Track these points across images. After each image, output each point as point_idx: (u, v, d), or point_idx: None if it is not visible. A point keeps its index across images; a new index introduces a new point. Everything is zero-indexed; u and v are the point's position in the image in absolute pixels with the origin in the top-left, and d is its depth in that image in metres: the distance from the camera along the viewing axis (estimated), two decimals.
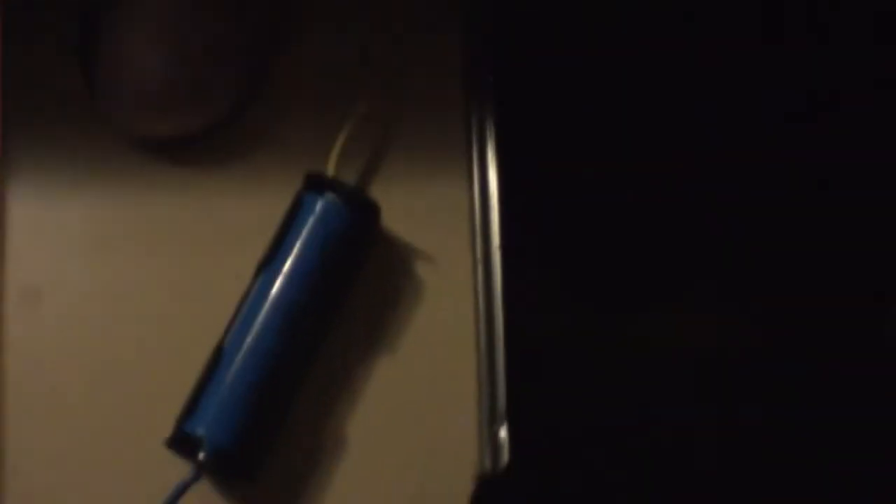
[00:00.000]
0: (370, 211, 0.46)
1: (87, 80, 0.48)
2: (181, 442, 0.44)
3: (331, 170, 0.47)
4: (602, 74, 0.49)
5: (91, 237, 0.48)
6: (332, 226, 0.45)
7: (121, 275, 0.48)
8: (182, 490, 0.44)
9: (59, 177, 0.49)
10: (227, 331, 0.45)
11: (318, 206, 0.45)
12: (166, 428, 0.44)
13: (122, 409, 0.47)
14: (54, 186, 0.49)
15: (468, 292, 0.47)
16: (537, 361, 0.46)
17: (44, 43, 0.50)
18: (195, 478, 0.44)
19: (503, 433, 0.45)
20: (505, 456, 0.45)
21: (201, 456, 0.43)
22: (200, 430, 0.43)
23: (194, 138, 0.48)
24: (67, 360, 0.47)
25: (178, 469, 0.44)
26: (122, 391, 0.47)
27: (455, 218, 0.48)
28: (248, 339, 0.44)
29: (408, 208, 0.48)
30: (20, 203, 0.49)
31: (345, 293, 0.47)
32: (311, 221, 0.45)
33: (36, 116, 0.49)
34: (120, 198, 0.49)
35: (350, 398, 0.46)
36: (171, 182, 0.49)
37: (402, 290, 0.47)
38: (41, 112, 0.49)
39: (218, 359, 0.44)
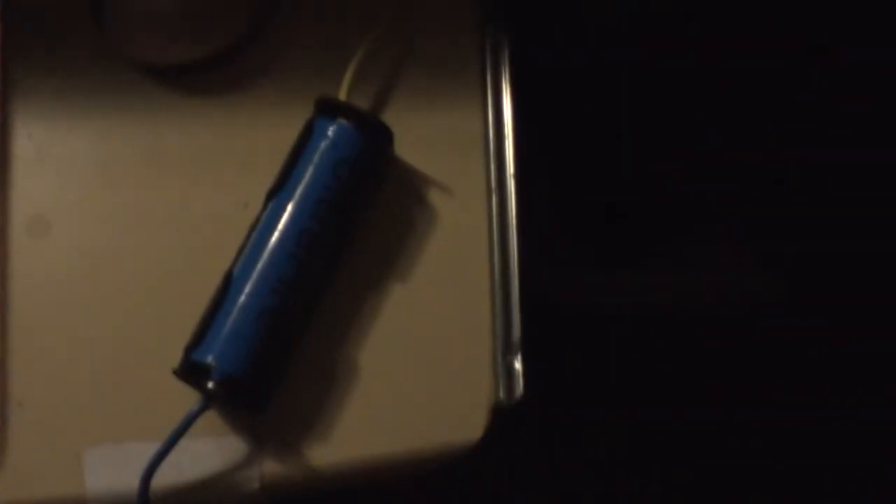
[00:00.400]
0: (383, 136, 0.45)
1: (94, 6, 0.47)
2: (190, 370, 0.43)
3: (343, 94, 0.46)
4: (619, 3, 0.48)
5: (98, 165, 0.47)
6: (345, 151, 0.44)
7: (128, 203, 0.47)
8: (191, 419, 0.43)
9: (65, 105, 0.48)
10: (236, 258, 0.44)
11: (330, 131, 0.44)
12: (174, 357, 0.43)
13: (129, 338, 0.46)
14: (61, 114, 0.48)
15: (482, 221, 0.46)
16: (552, 291, 0.45)
17: None
18: (204, 407, 0.43)
19: (518, 364, 0.44)
20: (519, 387, 0.44)
21: (210, 384, 0.42)
22: (209, 359, 0.42)
23: (204, 65, 0.47)
24: (74, 289, 0.46)
25: (187, 398, 0.43)
26: (130, 320, 0.46)
27: (469, 146, 0.47)
28: (258, 267, 0.43)
29: (421, 136, 0.47)
30: (26, 132, 0.47)
31: (357, 221, 0.46)
32: (322, 147, 0.44)
33: (41, 43, 0.48)
34: (128, 126, 0.48)
35: (362, 328, 0.45)
36: (179, 109, 0.48)
37: (415, 219, 0.46)
38: (46, 39, 0.48)
39: (227, 286, 0.43)
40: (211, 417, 0.44)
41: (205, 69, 0.48)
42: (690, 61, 0.48)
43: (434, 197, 0.47)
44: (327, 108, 0.45)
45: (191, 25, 0.46)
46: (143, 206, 0.47)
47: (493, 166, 0.46)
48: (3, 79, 0.48)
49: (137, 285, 0.46)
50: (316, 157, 0.44)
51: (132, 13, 0.46)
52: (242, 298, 0.43)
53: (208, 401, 0.43)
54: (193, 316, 0.44)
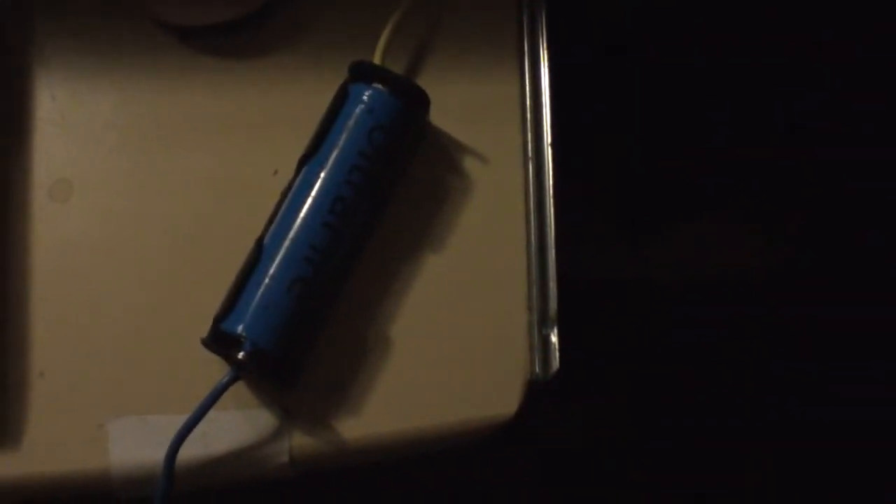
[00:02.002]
0: (420, 101, 0.44)
1: None
2: (219, 341, 0.42)
3: (378, 58, 0.44)
4: None
5: (123, 129, 0.46)
6: (380, 117, 0.43)
7: (153, 168, 0.46)
8: (220, 392, 0.42)
9: (89, 66, 0.47)
10: (267, 226, 0.43)
11: (366, 95, 0.43)
12: (200, 326, 0.42)
13: (154, 307, 0.45)
14: (85, 76, 0.46)
15: (518, 190, 0.45)
16: (589, 265, 0.44)
17: None
18: (234, 378, 0.42)
19: (554, 337, 0.43)
20: (555, 361, 0.43)
21: (240, 355, 0.41)
22: (240, 329, 0.41)
23: (233, 27, 0.46)
24: (97, 256, 0.45)
25: (212, 369, 0.42)
26: (155, 288, 0.45)
27: (505, 113, 0.46)
28: (291, 235, 0.42)
29: (456, 102, 0.45)
30: (49, 93, 0.46)
31: (391, 189, 0.44)
32: (357, 112, 0.43)
33: (64, 3, 0.46)
34: (153, 88, 0.46)
35: (395, 299, 0.44)
36: (206, 72, 0.46)
37: (450, 187, 0.45)
38: (70, 2, 0.47)
39: (258, 255, 0.42)
40: (239, 389, 0.43)
41: (233, 31, 0.46)
42: (719, 43, 0.47)
43: (469, 165, 0.46)
44: (362, 73, 0.44)
45: None
46: (168, 171, 0.46)
47: (530, 134, 0.45)
48: (27, 40, 0.46)
49: (163, 252, 0.45)
50: (351, 123, 0.43)
51: None
52: (274, 268, 0.42)
53: (237, 372, 0.42)
54: (220, 284, 0.43)
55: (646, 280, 0.51)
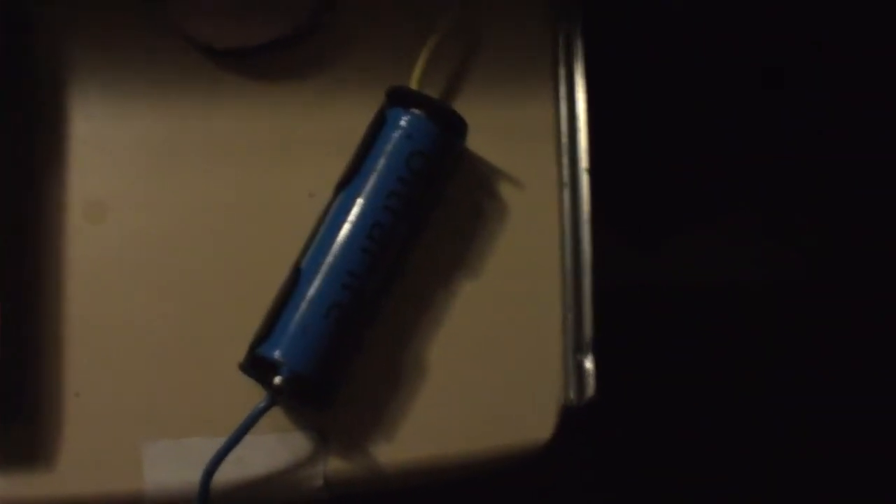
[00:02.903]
0: (458, 128, 0.44)
1: None
2: (256, 365, 0.42)
3: (415, 83, 0.44)
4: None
5: (158, 149, 0.46)
6: (419, 143, 0.43)
7: (189, 189, 0.46)
8: (257, 416, 0.42)
9: (125, 87, 0.46)
10: (304, 250, 0.43)
11: (404, 121, 0.43)
12: (235, 349, 0.42)
13: (189, 328, 0.45)
14: (120, 97, 0.46)
15: (554, 216, 0.45)
16: (624, 290, 0.44)
17: None
18: (271, 403, 0.42)
19: (589, 364, 0.43)
20: (590, 386, 0.43)
21: (278, 380, 0.41)
22: (277, 354, 0.41)
23: (269, 49, 0.46)
24: (133, 277, 0.45)
25: (248, 392, 0.42)
26: (190, 310, 0.45)
27: (541, 138, 0.46)
28: (328, 260, 0.42)
29: (492, 127, 0.45)
30: (84, 115, 0.46)
31: (427, 213, 0.44)
32: (395, 137, 0.43)
33: (100, 24, 0.47)
34: (189, 109, 0.46)
35: (430, 323, 0.44)
36: (241, 94, 0.46)
37: (486, 212, 0.45)
38: (106, 20, 0.47)
39: (296, 280, 0.42)
40: (274, 411, 0.43)
41: (269, 53, 0.46)
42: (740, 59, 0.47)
43: (505, 190, 0.46)
44: (400, 98, 0.44)
45: (257, 8, 0.45)
46: (203, 193, 0.46)
47: (565, 160, 0.45)
48: (61, 59, 0.46)
49: (198, 273, 0.45)
50: (389, 148, 0.43)
51: None
52: (312, 293, 0.42)
53: (275, 397, 0.42)
54: (256, 306, 0.43)
55: (652, 286, 0.51)
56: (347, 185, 0.43)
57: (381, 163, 0.43)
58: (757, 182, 0.54)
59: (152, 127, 0.46)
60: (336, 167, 0.44)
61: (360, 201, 0.43)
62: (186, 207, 0.46)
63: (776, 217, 0.52)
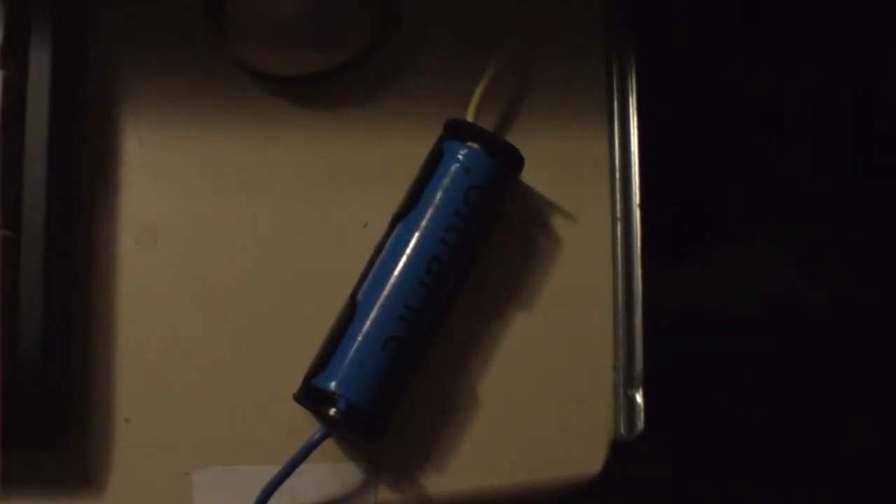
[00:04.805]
0: (515, 161, 0.44)
1: (213, 14, 0.45)
2: (312, 396, 0.42)
3: (471, 116, 0.44)
4: (745, 34, 0.47)
5: (210, 175, 0.46)
6: (477, 177, 0.43)
7: (241, 216, 0.46)
8: (312, 448, 0.42)
9: (177, 111, 0.46)
10: (360, 282, 0.43)
11: (461, 154, 0.43)
12: (288, 377, 0.43)
13: (242, 356, 0.45)
14: (172, 121, 0.46)
15: (606, 250, 0.45)
16: (674, 325, 0.45)
17: None
18: (326, 434, 0.42)
19: (639, 398, 0.44)
20: (640, 421, 0.44)
21: (333, 412, 0.41)
22: (333, 386, 0.41)
23: (323, 76, 0.46)
24: (184, 303, 0.45)
25: (300, 421, 0.43)
26: (242, 338, 0.45)
27: (593, 172, 0.46)
28: (385, 293, 0.42)
29: (545, 160, 0.45)
30: (136, 137, 0.46)
31: (483, 246, 0.45)
32: (453, 171, 0.43)
33: (153, 46, 0.47)
34: (242, 135, 0.46)
35: (480, 355, 0.45)
36: (295, 121, 0.46)
37: (538, 244, 0.46)
38: (159, 42, 0.47)
39: (352, 311, 0.42)
40: (326, 441, 0.43)
41: (323, 81, 0.46)
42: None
43: (557, 223, 0.46)
44: (458, 131, 0.44)
45: (313, 36, 0.45)
46: (256, 220, 0.46)
47: (618, 195, 0.45)
48: (114, 82, 0.46)
49: (250, 302, 0.45)
50: (447, 182, 0.43)
51: (252, 21, 0.44)
52: (368, 325, 0.42)
53: (330, 429, 0.42)
54: (308, 335, 0.43)
55: (673, 306, 0.52)
56: (405, 218, 0.43)
57: (439, 196, 0.43)
58: (784, 202, 0.54)
59: (205, 152, 0.46)
60: (390, 197, 0.44)
61: (417, 234, 0.43)
62: (239, 234, 0.46)
63: (805, 239, 0.52)
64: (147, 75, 0.46)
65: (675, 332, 0.47)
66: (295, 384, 0.43)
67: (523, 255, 0.45)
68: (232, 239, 0.46)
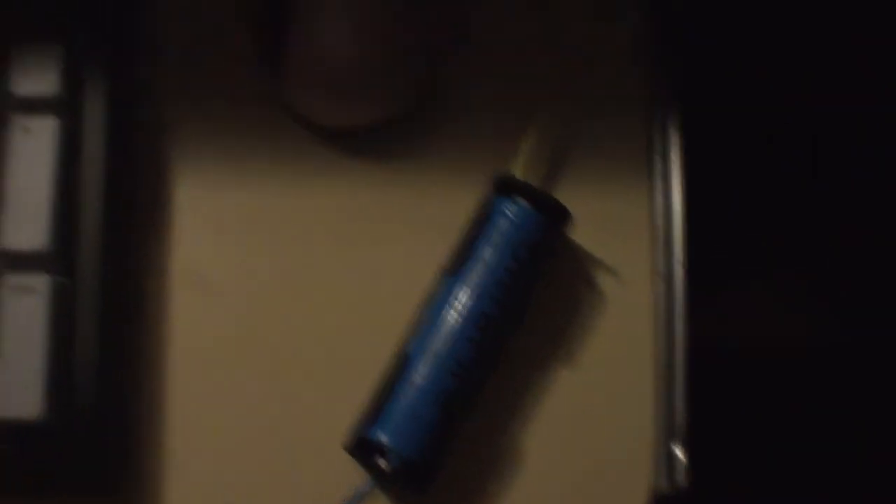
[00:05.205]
0: (563, 218, 0.45)
1: (268, 63, 0.46)
2: (362, 448, 0.43)
3: (519, 173, 0.45)
4: (790, 90, 0.48)
5: (261, 224, 0.47)
6: (527, 234, 0.44)
7: (291, 265, 0.47)
8: (360, 498, 0.42)
9: (228, 161, 0.47)
10: (410, 335, 0.44)
11: (512, 211, 0.44)
12: (335, 429, 0.44)
13: (287, 405, 0.46)
14: (224, 170, 0.47)
15: (649, 307, 0.46)
16: (717, 380, 0.46)
17: (216, 19, 0.48)
18: (375, 485, 0.43)
19: (680, 451, 0.45)
20: (681, 475, 0.44)
21: (384, 464, 0.42)
22: (385, 438, 0.42)
23: (373, 129, 0.47)
24: (233, 352, 0.46)
25: (347, 472, 0.44)
26: (290, 387, 0.46)
27: (637, 230, 0.47)
28: (437, 347, 0.43)
29: (589, 216, 0.46)
30: (188, 187, 0.47)
31: (530, 302, 0.45)
32: (503, 227, 0.44)
33: (206, 93, 0.48)
34: (292, 186, 0.47)
35: (523, 407, 0.45)
36: (345, 172, 0.47)
37: (580, 300, 0.47)
38: (211, 89, 0.48)
39: (403, 365, 0.43)
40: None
41: (374, 132, 0.47)
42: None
43: (600, 278, 0.47)
44: (508, 187, 0.45)
45: (369, 87, 0.46)
46: (304, 269, 0.47)
47: (660, 252, 0.46)
48: (165, 128, 0.47)
49: (298, 351, 0.46)
50: (497, 238, 0.44)
51: (309, 71, 0.45)
52: (419, 379, 0.43)
53: (379, 480, 0.43)
54: (355, 385, 0.44)
55: (710, 342, 0.52)
56: (455, 273, 0.44)
57: (489, 252, 0.44)
58: (813, 238, 0.54)
59: (255, 201, 0.47)
60: (436, 250, 0.46)
61: (468, 290, 0.44)
62: (288, 283, 0.46)
63: (832, 279, 0.53)
64: (199, 123, 0.47)
65: (717, 374, 0.48)
66: (342, 434, 0.43)
67: (566, 310, 0.46)
68: (280, 288, 0.46)
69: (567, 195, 0.46)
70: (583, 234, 0.46)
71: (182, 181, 0.47)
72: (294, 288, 0.46)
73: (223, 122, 0.47)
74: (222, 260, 0.46)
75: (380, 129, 0.47)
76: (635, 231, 0.47)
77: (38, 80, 0.45)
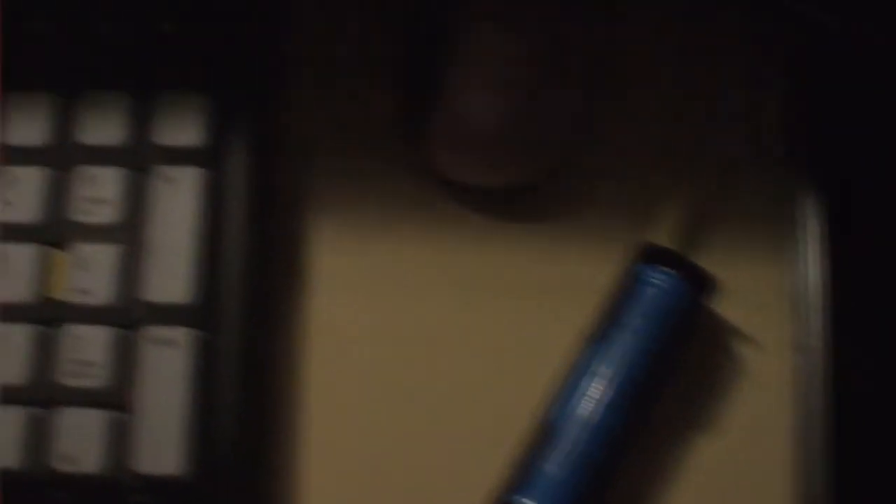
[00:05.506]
0: (709, 288, 0.44)
1: (409, 124, 0.46)
2: None
3: (662, 240, 0.45)
4: None
5: (396, 281, 0.47)
6: (674, 302, 0.44)
7: (426, 324, 0.46)
8: None
9: (366, 217, 0.47)
10: (555, 401, 0.43)
11: (660, 279, 0.44)
12: (472, 492, 0.44)
13: (424, 466, 0.45)
14: (361, 226, 0.47)
15: (788, 379, 0.46)
16: (859, 457, 0.45)
17: (356, 81, 0.49)
18: None
19: None
20: None
21: None
22: None
23: (514, 189, 0.46)
24: (370, 408, 0.45)
25: None
26: (424, 447, 0.45)
27: (777, 301, 0.46)
28: (583, 415, 0.43)
29: (727, 284, 0.46)
30: (326, 241, 0.46)
31: (673, 370, 0.45)
32: (651, 295, 0.44)
33: (344, 155, 0.48)
34: (428, 243, 0.47)
35: (664, 476, 0.45)
36: (481, 231, 0.47)
37: (720, 369, 0.46)
38: (349, 151, 0.48)
39: (548, 431, 0.42)
40: None
41: (514, 192, 0.47)
42: None
43: (739, 349, 0.46)
44: (655, 255, 0.44)
45: (512, 150, 0.45)
46: (441, 331, 0.46)
47: (800, 323, 0.46)
48: (302, 186, 0.46)
49: (435, 413, 0.45)
50: (644, 307, 0.44)
51: (456, 136, 0.44)
52: (567, 446, 0.42)
53: None
54: (494, 451, 0.44)
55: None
56: (600, 340, 0.44)
57: (636, 321, 0.43)
58: None
59: (393, 257, 0.47)
60: (575, 314, 0.45)
61: (613, 358, 0.43)
62: (422, 341, 0.46)
63: None
64: (335, 180, 0.47)
65: (858, 446, 0.47)
66: (477, 495, 0.43)
67: (704, 378, 0.46)
68: (416, 345, 0.46)
69: (706, 263, 0.45)
70: (722, 302, 0.46)
71: (320, 236, 0.46)
72: (429, 346, 0.46)
73: (361, 180, 0.47)
74: (359, 315, 0.46)
75: (520, 190, 0.47)
76: (775, 301, 0.46)
77: (181, 129, 0.44)
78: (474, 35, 0.45)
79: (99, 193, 0.44)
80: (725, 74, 0.49)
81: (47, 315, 0.43)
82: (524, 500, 0.42)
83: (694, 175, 0.47)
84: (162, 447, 0.42)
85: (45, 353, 0.43)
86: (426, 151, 0.46)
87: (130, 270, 0.43)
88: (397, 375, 0.46)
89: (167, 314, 0.43)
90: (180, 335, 0.42)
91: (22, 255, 0.43)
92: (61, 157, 0.44)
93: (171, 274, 0.43)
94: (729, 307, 0.46)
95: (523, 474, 0.42)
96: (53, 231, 0.44)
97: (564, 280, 0.47)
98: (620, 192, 0.48)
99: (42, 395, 0.42)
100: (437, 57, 0.45)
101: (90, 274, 0.43)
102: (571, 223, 0.47)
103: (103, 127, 0.44)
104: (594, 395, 0.43)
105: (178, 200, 0.44)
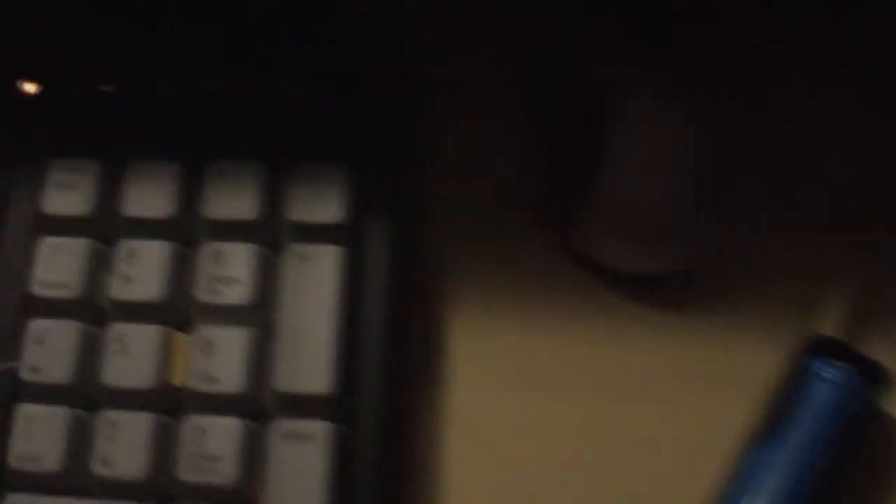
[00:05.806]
0: (884, 383, 0.42)
1: (558, 205, 0.43)
2: None
3: (829, 332, 0.42)
4: None
5: (538, 372, 0.44)
6: (847, 398, 0.41)
7: (571, 416, 0.43)
8: None
9: (507, 305, 0.44)
10: (722, 498, 0.40)
11: (833, 374, 0.41)
12: None
13: None
14: (502, 314, 0.44)
15: None
16: None
17: (494, 163, 0.47)
18: None
19: None
20: None
21: None
22: None
23: (669, 276, 0.44)
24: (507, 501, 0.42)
25: None
26: None
27: None
28: None
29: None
30: (465, 329, 0.44)
31: (844, 470, 0.42)
32: (824, 392, 0.41)
33: (484, 240, 0.45)
34: (573, 332, 0.44)
35: None
36: (632, 320, 0.44)
37: (890, 467, 0.43)
38: (490, 236, 0.46)
39: None
40: None
41: (667, 280, 0.44)
42: None
43: None
44: (825, 348, 0.41)
45: (674, 235, 0.43)
46: (584, 421, 0.43)
47: None
48: (440, 270, 0.43)
49: None
50: (815, 404, 0.41)
51: (611, 217, 0.42)
52: None
53: None
54: None
55: None
56: (769, 440, 0.41)
57: (807, 419, 0.41)
58: None
59: (535, 346, 0.44)
60: (734, 410, 0.43)
61: (783, 459, 0.40)
62: (567, 434, 0.43)
63: None
64: (476, 265, 0.45)
65: None
66: None
67: (873, 476, 0.43)
68: (560, 439, 0.43)
69: (876, 354, 0.43)
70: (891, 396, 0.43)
71: (459, 323, 0.43)
72: (574, 439, 0.43)
73: (501, 265, 0.45)
74: (500, 407, 0.43)
75: (675, 277, 0.44)
76: None
77: (319, 204, 0.41)
78: (637, 117, 0.42)
79: (228, 271, 0.40)
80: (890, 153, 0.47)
81: (168, 403, 0.39)
82: None
83: (857, 262, 0.44)
84: None
85: (164, 445, 0.39)
86: (577, 236, 0.43)
87: (261, 356, 0.40)
88: (542, 471, 0.43)
89: (302, 405, 0.39)
90: (317, 429, 0.39)
91: (142, 337, 0.40)
92: (187, 232, 0.41)
93: (307, 361, 0.39)
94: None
95: None
96: (177, 311, 0.40)
97: (724, 373, 0.43)
98: (780, 282, 0.45)
99: (161, 491, 0.39)
100: (592, 139, 0.42)
101: (216, 359, 0.39)
102: (727, 313, 0.45)
103: (232, 199, 0.41)
104: (763, 498, 0.40)
105: (315, 280, 0.40)
